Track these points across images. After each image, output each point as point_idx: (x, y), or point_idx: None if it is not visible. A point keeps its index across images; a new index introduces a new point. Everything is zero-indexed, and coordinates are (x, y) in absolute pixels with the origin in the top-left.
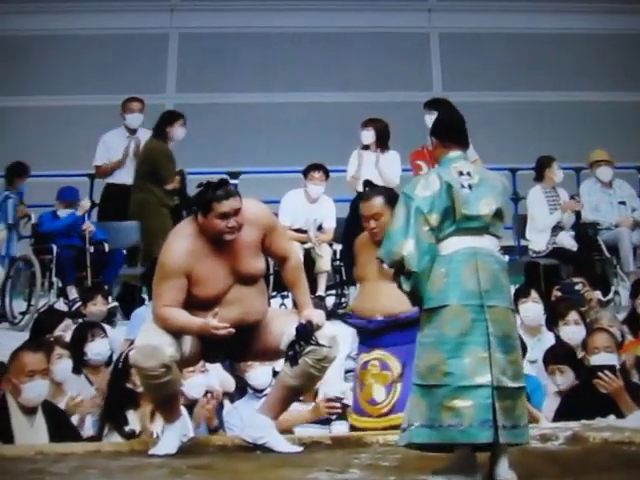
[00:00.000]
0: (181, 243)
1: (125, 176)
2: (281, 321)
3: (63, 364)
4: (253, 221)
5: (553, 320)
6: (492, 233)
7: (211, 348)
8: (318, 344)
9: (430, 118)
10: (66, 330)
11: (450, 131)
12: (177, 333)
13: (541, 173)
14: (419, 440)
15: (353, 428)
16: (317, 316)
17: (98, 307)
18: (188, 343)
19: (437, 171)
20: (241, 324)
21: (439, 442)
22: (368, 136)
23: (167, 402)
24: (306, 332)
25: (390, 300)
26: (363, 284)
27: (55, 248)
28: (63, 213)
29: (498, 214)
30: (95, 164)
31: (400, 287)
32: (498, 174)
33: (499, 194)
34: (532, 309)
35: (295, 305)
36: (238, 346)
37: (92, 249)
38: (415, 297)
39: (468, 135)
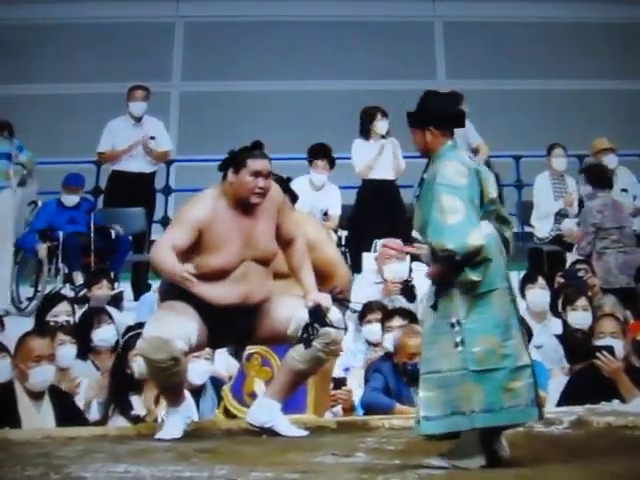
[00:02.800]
0: (204, 201)
1: (132, 164)
2: (287, 306)
3: (65, 350)
4: (271, 198)
5: (562, 306)
6: (493, 219)
7: (218, 333)
8: (332, 326)
9: None
10: (69, 315)
11: (451, 119)
12: (158, 273)
13: (547, 160)
14: (481, 424)
15: (226, 411)
16: (324, 299)
17: (103, 291)
18: (196, 333)
19: (456, 158)
20: (245, 303)
21: (501, 425)
22: (385, 126)
23: (173, 389)
24: (318, 315)
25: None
26: None
27: (61, 235)
28: (67, 200)
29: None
30: (98, 150)
31: (454, 278)
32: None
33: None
34: (539, 295)
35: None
36: (244, 330)
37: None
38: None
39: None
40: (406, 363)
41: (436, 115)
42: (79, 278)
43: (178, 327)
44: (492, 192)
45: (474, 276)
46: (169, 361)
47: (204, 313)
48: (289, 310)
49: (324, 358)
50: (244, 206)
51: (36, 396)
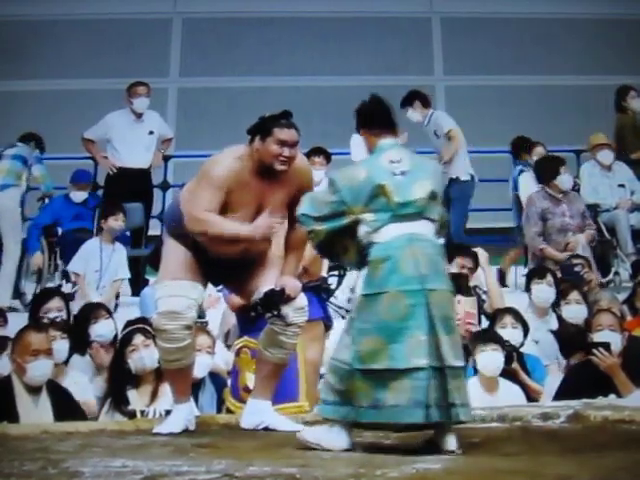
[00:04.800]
0: (230, 160)
1: (130, 159)
2: (266, 275)
3: (57, 346)
4: (300, 172)
5: (555, 300)
6: (428, 217)
7: (212, 274)
8: (276, 315)
9: (411, 112)
10: (60, 311)
11: (376, 117)
12: (212, 237)
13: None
14: (365, 420)
15: (228, 411)
16: (291, 287)
17: (118, 223)
18: (201, 293)
19: (367, 162)
20: (245, 254)
21: (382, 422)
22: None
23: (181, 376)
24: (271, 299)
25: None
26: None
27: (60, 230)
28: (75, 196)
29: (433, 197)
30: (85, 136)
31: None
32: (432, 159)
33: (432, 177)
34: (545, 291)
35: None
36: (236, 277)
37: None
38: (322, 250)
39: (396, 120)
40: None
41: (359, 116)
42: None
43: (188, 296)
44: (403, 196)
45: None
46: (182, 330)
47: (203, 255)
48: (261, 281)
49: (287, 342)
50: (267, 172)
51: (34, 390)
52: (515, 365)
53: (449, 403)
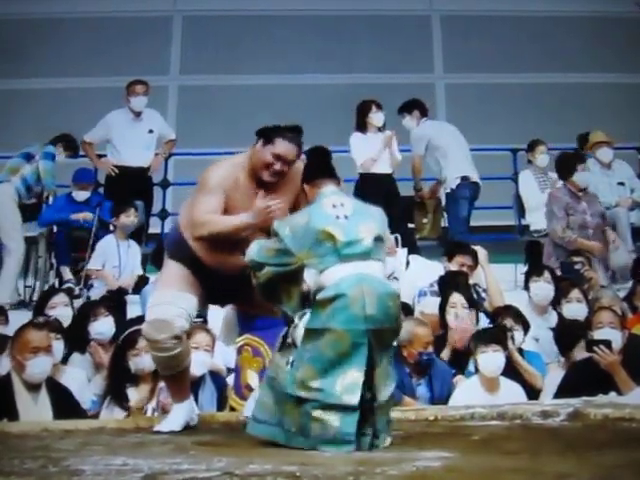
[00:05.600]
0: (226, 166)
1: (131, 157)
2: None
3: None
4: (298, 175)
5: (555, 298)
6: (375, 258)
7: (213, 293)
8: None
9: (408, 120)
10: (66, 306)
11: (316, 168)
12: (216, 238)
13: (528, 157)
14: (293, 444)
15: (232, 410)
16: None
17: (130, 219)
18: (195, 305)
19: (310, 210)
20: (245, 271)
21: (306, 448)
22: (381, 118)
23: (178, 379)
24: None
25: None
26: None
27: (55, 229)
28: (78, 195)
29: (378, 239)
30: (85, 139)
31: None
32: (373, 206)
33: (377, 221)
34: (543, 288)
35: None
36: (239, 294)
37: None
38: (264, 295)
39: (334, 169)
40: (422, 353)
41: (303, 174)
42: (67, 273)
43: (178, 305)
44: (348, 237)
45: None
46: (171, 340)
47: (204, 276)
48: None
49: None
50: (260, 180)
51: (33, 388)
52: (511, 347)
53: (375, 430)
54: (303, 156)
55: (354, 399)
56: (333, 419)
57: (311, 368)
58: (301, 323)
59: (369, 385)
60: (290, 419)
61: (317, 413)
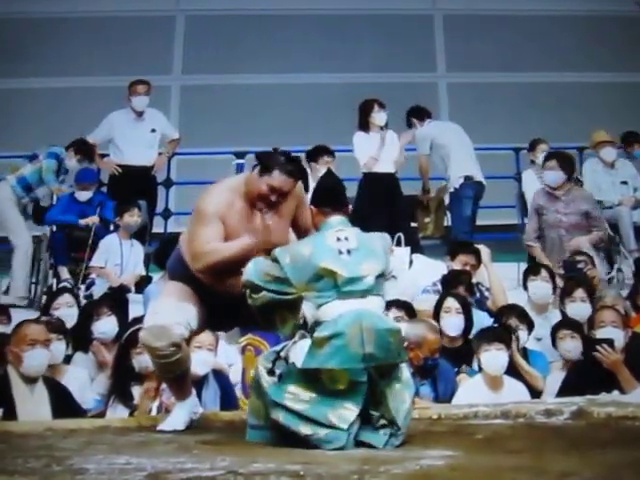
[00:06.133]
0: (219, 192)
1: (133, 157)
2: None
3: (53, 348)
4: (298, 192)
5: (560, 298)
6: (376, 294)
7: (218, 316)
8: None
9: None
10: (70, 306)
11: (327, 197)
12: (220, 266)
13: (530, 156)
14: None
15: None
16: None
17: (134, 218)
18: (195, 317)
19: (314, 240)
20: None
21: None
22: (384, 117)
23: (178, 380)
24: None
25: None
26: None
27: (54, 228)
28: (80, 195)
29: (380, 276)
30: (88, 139)
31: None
32: (378, 235)
33: (379, 256)
34: (541, 287)
35: None
36: (245, 315)
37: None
38: (259, 316)
39: (346, 199)
40: (427, 358)
41: (312, 194)
42: (64, 272)
43: (177, 313)
44: (350, 273)
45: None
46: (169, 347)
47: (206, 295)
48: None
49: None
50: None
51: (31, 381)
52: (513, 348)
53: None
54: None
55: (343, 424)
56: (321, 434)
57: (304, 390)
58: (301, 342)
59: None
60: (278, 426)
61: (305, 425)
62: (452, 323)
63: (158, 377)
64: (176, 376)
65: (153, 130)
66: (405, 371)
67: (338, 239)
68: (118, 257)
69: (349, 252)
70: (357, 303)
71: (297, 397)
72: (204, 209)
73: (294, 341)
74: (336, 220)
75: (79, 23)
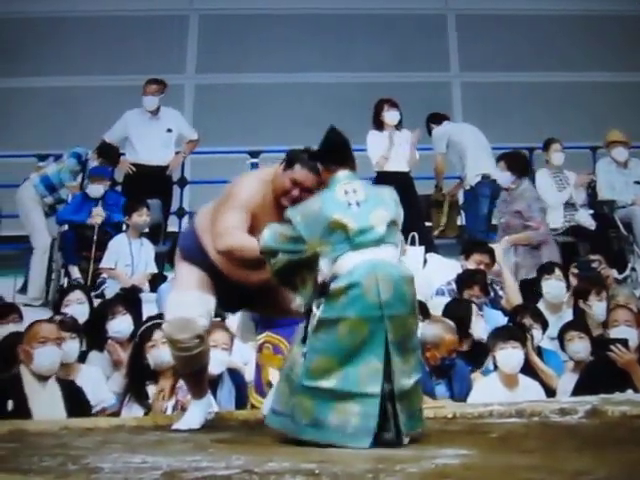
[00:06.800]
0: (256, 183)
1: (148, 156)
2: None
3: (66, 346)
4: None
5: (574, 296)
6: (389, 242)
7: (229, 298)
8: None
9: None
10: (81, 303)
11: (332, 154)
12: (237, 256)
13: (545, 155)
14: (304, 437)
15: (254, 408)
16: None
17: (143, 218)
18: (214, 306)
19: (320, 196)
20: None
21: (325, 442)
22: (396, 116)
23: (196, 376)
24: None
25: None
26: None
27: (66, 227)
28: (93, 190)
29: (392, 224)
30: (105, 139)
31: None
32: (385, 187)
33: (390, 205)
34: (555, 286)
35: None
36: (255, 298)
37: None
38: (280, 280)
39: (352, 154)
40: (445, 358)
41: (318, 152)
42: (75, 271)
43: (199, 305)
44: (360, 224)
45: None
46: (193, 339)
47: (219, 279)
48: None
49: None
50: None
51: (43, 379)
52: (528, 346)
53: (397, 425)
54: None
55: (375, 388)
56: (353, 411)
57: (327, 358)
58: (319, 312)
59: (388, 376)
60: (302, 411)
61: (335, 404)
62: None
63: (174, 375)
64: (194, 371)
65: (169, 130)
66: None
67: (346, 192)
68: (128, 257)
69: (358, 204)
70: (371, 253)
71: (321, 373)
72: (237, 194)
73: (313, 314)
74: (343, 174)
75: (95, 22)
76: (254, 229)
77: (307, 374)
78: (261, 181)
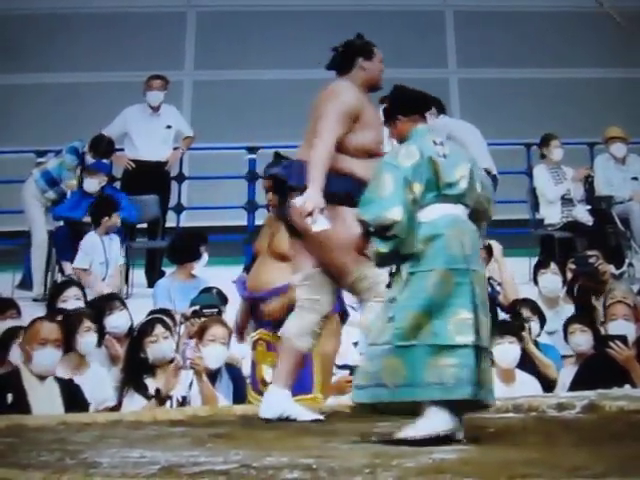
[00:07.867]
0: (352, 90)
1: (147, 152)
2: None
3: (90, 337)
4: None
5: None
6: (464, 203)
7: None
8: None
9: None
10: (78, 299)
11: (417, 104)
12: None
13: (542, 151)
14: (400, 398)
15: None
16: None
17: (118, 219)
18: None
19: (415, 142)
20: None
21: (421, 399)
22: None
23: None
24: None
25: (269, 276)
26: (258, 258)
27: (61, 223)
28: (88, 185)
29: (471, 183)
30: (105, 134)
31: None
32: (463, 148)
33: (469, 163)
34: (551, 280)
35: None
36: None
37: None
38: (390, 259)
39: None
40: None
41: (398, 102)
42: (68, 267)
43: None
44: (449, 177)
45: (383, 247)
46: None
47: None
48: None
49: (318, 332)
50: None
51: (40, 377)
52: (526, 336)
53: (480, 385)
54: None
55: (469, 338)
56: (448, 364)
57: (417, 314)
58: (407, 267)
59: (479, 332)
60: (393, 374)
61: (430, 359)
62: None
63: (175, 369)
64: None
65: (169, 126)
66: None
67: (435, 143)
68: (102, 255)
69: (445, 156)
70: (452, 208)
71: (413, 329)
72: (342, 102)
73: (400, 273)
74: (425, 127)
75: (93, 19)
76: (365, 127)
77: (399, 335)
78: (351, 87)
